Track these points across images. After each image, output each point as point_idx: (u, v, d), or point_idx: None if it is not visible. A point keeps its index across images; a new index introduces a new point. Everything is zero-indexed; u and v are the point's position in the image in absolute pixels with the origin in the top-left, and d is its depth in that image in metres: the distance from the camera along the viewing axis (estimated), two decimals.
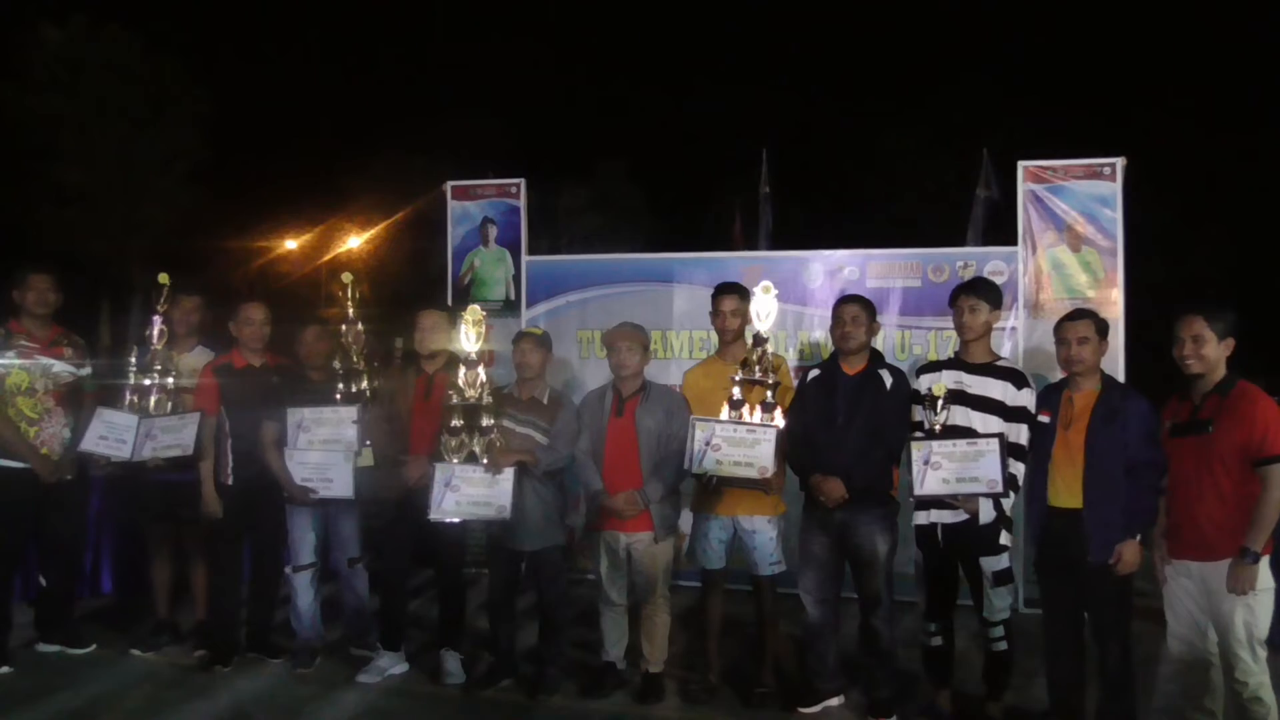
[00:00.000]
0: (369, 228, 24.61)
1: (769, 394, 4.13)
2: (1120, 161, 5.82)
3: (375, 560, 4.98)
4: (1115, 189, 5.81)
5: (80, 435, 4.71)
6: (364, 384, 4.73)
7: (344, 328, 4.74)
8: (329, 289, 21.01)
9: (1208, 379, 3.59)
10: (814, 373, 4.33)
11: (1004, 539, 3.99)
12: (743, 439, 4.04)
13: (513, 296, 6.74)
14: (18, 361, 4.72)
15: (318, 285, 23.02)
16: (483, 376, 4.30)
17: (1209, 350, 3.56)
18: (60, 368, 4.83)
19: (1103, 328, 3.90)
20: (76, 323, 5.23)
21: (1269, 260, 20.56)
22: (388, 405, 4.72)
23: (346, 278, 4.89)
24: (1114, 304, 5.71)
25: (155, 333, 4.79)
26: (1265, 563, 3.48)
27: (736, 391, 4.15)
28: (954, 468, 3.81)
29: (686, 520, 4.59)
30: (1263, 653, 3.50)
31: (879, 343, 4.64)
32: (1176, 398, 3.74)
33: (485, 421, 4.29)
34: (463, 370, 4.30)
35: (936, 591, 4.14)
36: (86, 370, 4.95)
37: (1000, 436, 3.82)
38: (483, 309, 4.49)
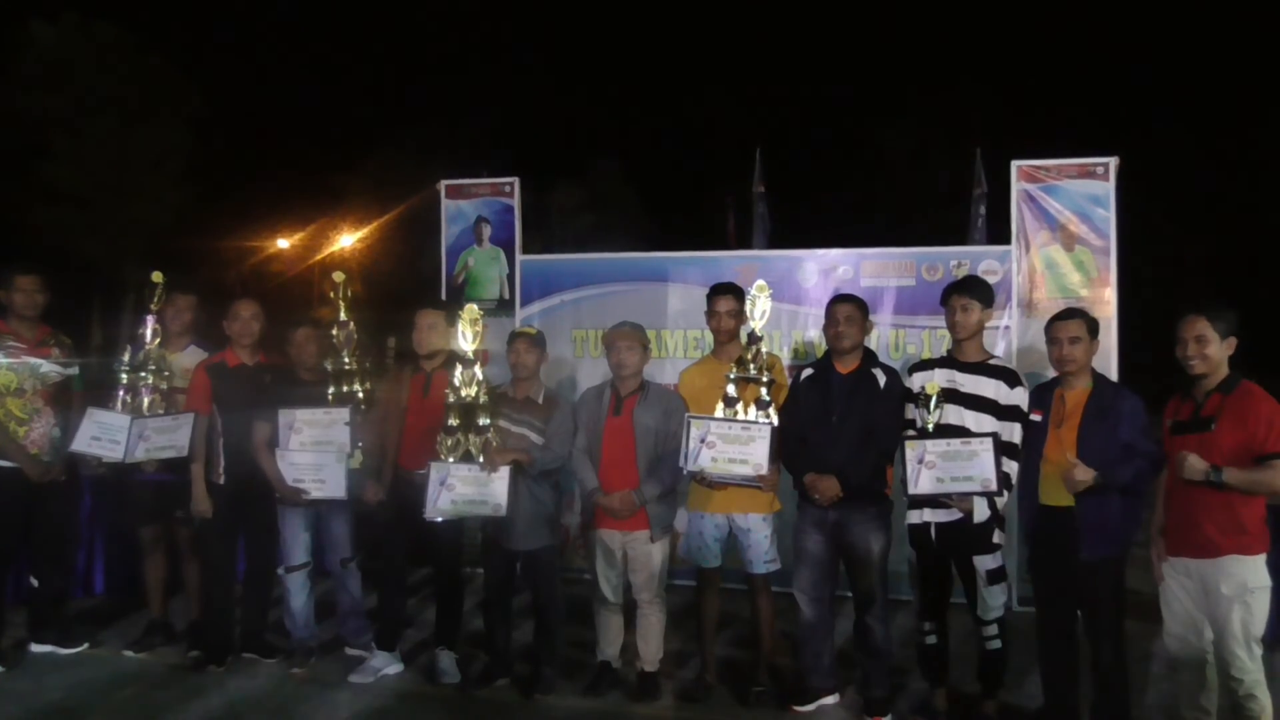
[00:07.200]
0: (362, 226, 24.60)
1: (764, 391, 4.13)
2: (1113, 161, 5.83)
3: (369, 560, 4.96)
4: (1108, 188, 5.83)
5: (71, 436, 4.69)
6: (356, 385, 4.71)
7: (335, 328, 4.72)
8: (321, 288, 20.94)
9: (1210, 378, 3.59)
10: (807, 372, 4.32)
11: (997, 537, 4.01)
12: (738, 436, 4.04)
13: (507, 295, 6.72)
14: (6, 362, 4.70)
15: (310, 284, 22.96)
16: (479, 375, 4.30)
17: (1212, 350, 3.56)
18: (48, 368, 4.81)
19: (1094, 327, 3.91)
20: (67, 322, 5.20)
21: (1261, 259, 20.64)
22: (383, 407, 4.70)
23: (338, 277, 4.83)
24: (1107, 303, 5.73)
25: (148, 331, 4.76)
26: (1262, 561, 3.50)
27: (731, 389, 4.15)
28: (948, 467, 3.82)
29: (683, 519, 4.59)
30: (1259, 650, 3.51)
31: (872, 342, 4.65)
32: (1178, 397, 3.73)
33: (481, 420, 4.29)
34: (459, 369, 4.29)
35: (930, 590, 4.15)
36: (74, 370, 4.93)
37: (994, 435, 3.82)
38: (477, 308, 4.48)
